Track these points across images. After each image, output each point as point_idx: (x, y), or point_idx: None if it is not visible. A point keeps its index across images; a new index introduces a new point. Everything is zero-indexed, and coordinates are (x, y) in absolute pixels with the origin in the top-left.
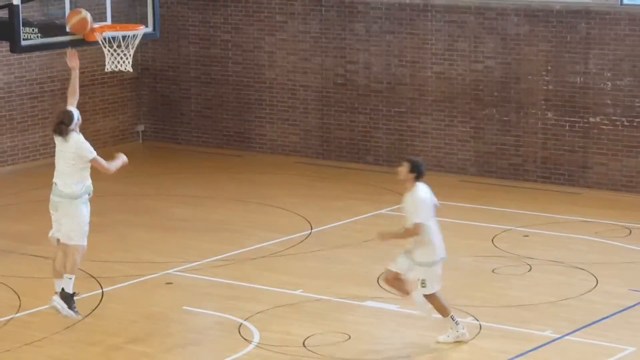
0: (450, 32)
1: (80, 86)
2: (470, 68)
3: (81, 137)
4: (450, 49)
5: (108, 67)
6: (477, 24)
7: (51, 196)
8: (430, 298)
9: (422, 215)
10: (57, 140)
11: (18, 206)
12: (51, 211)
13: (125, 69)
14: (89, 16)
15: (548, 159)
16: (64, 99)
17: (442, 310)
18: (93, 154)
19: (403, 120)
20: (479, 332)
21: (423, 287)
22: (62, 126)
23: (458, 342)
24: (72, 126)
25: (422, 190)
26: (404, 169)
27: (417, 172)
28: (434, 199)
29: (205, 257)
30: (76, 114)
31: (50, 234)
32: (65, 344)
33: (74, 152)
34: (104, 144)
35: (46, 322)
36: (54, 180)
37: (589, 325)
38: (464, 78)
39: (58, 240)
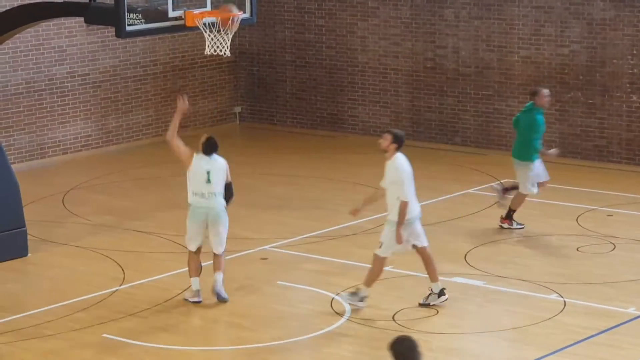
0: (537, 17)
1: (182, 69)
2: (556, 52)
3: None
4: (536, 34)
5: (207, 51)
6: (563, 9)
7: None
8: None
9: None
10: None
11: (122, 184)
12: None
13: (224, 52)
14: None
15: (632, 140)
16: (166, 81)
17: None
18: None
19: (490, 103)
20: (563, 309)
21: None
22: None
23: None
24: None
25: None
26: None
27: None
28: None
29: (299, 234)
30: None
31: None
32: (167, 315)
33: None
34: (202, 125)
35: (149, 294)
36: None
37: None
38: (550, 62)
39: None
